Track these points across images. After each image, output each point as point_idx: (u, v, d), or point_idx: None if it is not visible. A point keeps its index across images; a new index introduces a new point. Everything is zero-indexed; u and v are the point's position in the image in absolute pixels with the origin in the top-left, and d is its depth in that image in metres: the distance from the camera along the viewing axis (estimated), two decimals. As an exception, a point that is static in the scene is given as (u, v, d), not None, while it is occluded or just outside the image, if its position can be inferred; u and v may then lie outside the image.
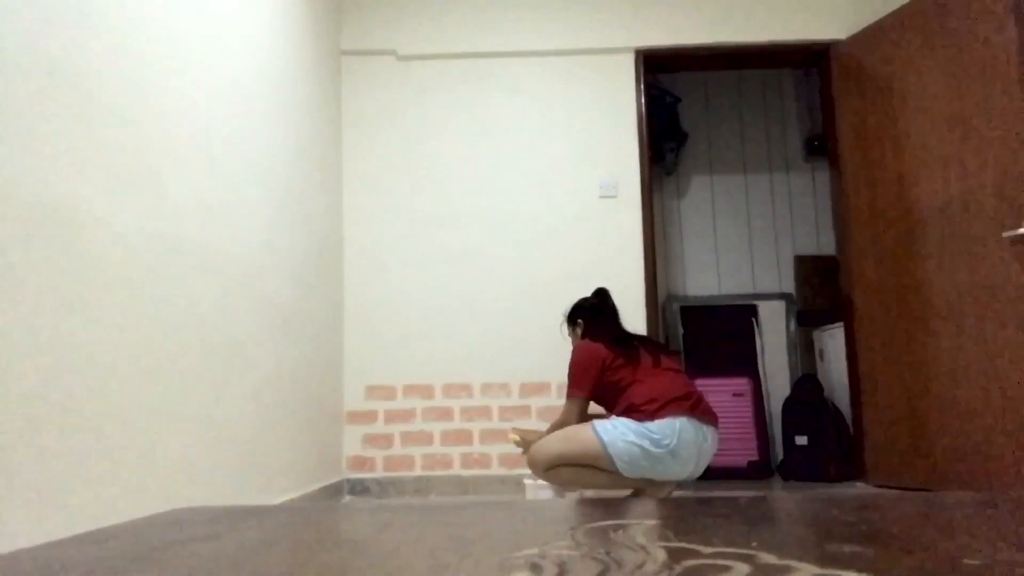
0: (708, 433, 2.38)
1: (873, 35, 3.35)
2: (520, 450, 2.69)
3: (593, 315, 2.73)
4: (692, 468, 2.36)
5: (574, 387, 2.51)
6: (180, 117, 1.91)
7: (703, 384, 4.16)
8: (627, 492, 2.46)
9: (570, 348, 2.69)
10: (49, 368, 1.35)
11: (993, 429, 2.75)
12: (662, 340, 4.02)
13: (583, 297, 2.84)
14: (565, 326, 2.85)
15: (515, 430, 2.77)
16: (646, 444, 2.29)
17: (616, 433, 2.32)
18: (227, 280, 2.15)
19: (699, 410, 2.37)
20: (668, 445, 2.28)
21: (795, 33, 3.59)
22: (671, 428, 2.29)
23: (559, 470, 2.41)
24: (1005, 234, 2.72)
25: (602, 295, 2.79)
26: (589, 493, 2.56)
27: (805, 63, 3.96)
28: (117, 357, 1.57)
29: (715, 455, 2.46)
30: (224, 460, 2.08)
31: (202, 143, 2.03)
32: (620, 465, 2.32)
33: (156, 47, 1.80)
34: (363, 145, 3.60)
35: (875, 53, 3.33)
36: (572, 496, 3.05)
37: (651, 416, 2.32)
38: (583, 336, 2.68)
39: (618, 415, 2.41)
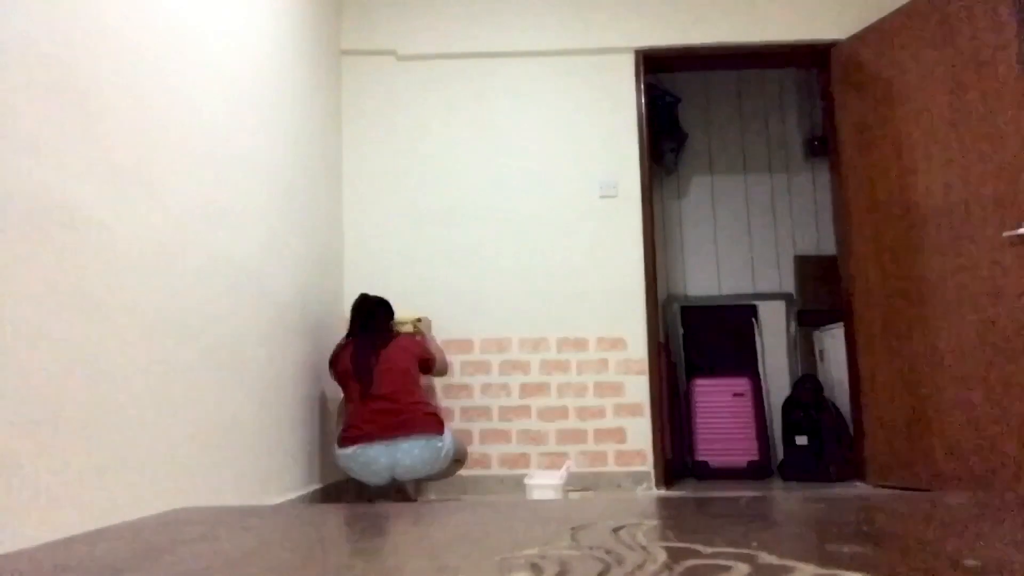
0: None
1: (873, 35, 3.35)
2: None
3: None
4: None
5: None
6: (180, 117, 1.91)
7: (703, 384, 4.16)
8: None
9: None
10: (49, 369, 1.35)
11: (993, 429, 2.75)
12: (662, 340, 4.02)
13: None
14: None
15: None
16: None
17: None
18: (227, 280, 2.15)
19: None
20: None
21: (795, 33, 3.59)
22: None
23: None
24: (1005, 234, 2.72)
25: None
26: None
27: (805, 63, 3.96)
28: (117, 357, 1.57)
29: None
30: (224, 460, 2.08)
31: (202, 143, 2.03)
32: None
33: (156, 48, 1.80)
34: (363, 145, 3.60)
35: (875, 53, 3.33)
36: (573, 496, 3.05)
37: None
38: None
39: None
